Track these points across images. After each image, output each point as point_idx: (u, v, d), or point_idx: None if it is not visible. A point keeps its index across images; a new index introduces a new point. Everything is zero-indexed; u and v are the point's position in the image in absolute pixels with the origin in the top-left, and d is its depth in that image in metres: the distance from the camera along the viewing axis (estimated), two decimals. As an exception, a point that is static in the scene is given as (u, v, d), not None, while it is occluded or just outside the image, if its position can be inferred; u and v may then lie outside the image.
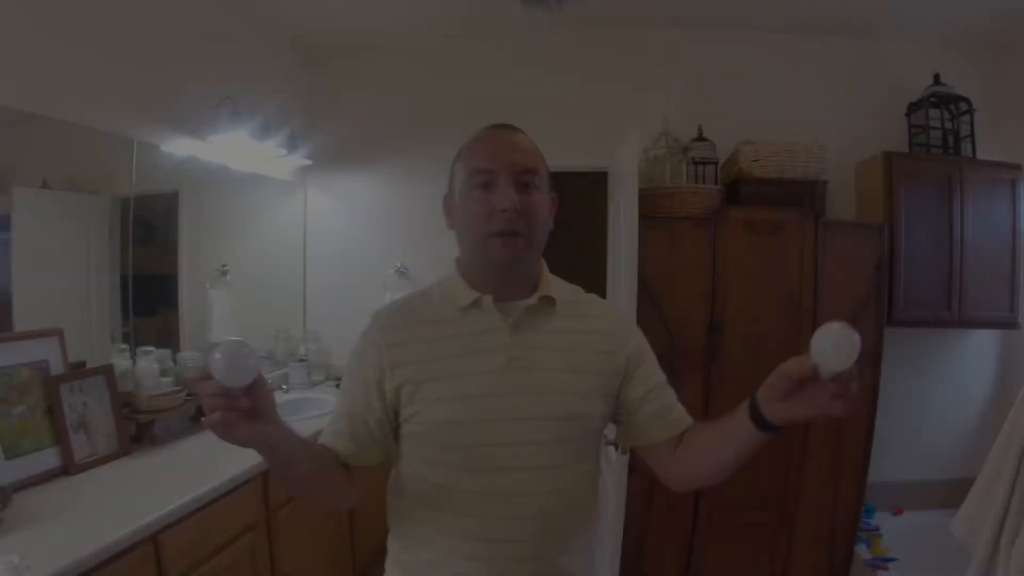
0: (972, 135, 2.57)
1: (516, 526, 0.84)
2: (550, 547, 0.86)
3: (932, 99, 2.55)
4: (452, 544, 0.85)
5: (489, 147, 0.87)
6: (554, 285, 0.92)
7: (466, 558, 0.84)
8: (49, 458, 1.57)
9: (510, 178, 0.84)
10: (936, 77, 2.58)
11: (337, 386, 2.81)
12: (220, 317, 2.47)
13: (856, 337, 0.68)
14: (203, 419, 0.67)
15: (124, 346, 1.99)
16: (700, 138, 2.61)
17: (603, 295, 2.89)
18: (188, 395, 2.03)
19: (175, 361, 2.15)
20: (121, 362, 1.93)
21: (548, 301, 0.89)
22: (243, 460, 1.72)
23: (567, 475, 0.87)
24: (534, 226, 0.85)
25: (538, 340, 0.87)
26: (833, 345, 0.68)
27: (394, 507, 0.93)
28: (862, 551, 2.43)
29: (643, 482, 2.33)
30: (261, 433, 0.71)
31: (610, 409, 0.92)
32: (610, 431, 1.01)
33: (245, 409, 0.68)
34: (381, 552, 0.98)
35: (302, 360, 2.84)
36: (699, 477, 0.92)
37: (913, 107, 2.63)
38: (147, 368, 1.95)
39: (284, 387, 2.69)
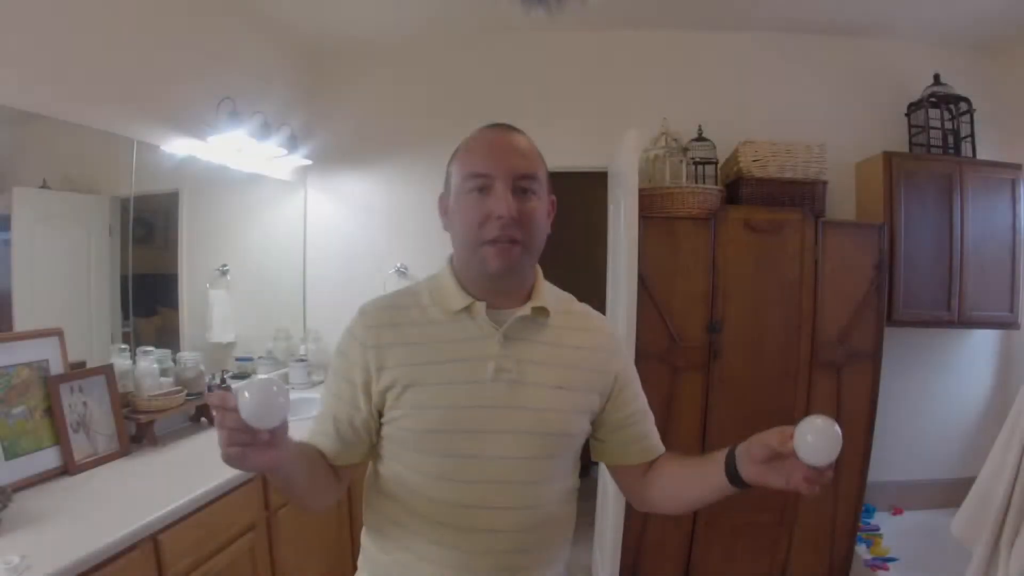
0: (972, 135, 2.58)
1: (493, 539, 0.83)
2: (527, 560, 0.86)
3: (932, 99, 2.55)
4: (428, 551, 0.84)
5: (486, 150, 0.83)
6: (547, 294, 0.90)
7: (441, 566, 0.83)
8: (49, 458, 1.57)
9: (508, 183, 0.80)
10: (936, 77, 2.58)
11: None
12: (220, 317, 2.47)
13: (838, 434, 0.69)
14: (221, 453, 0.65)
15: (124, 346, 1.99)
16: (700, 138, 2.61)
17: (603, 295, 2.90)
18: (188, 395, 2.03)
19: (175, 361, 2.15)
20: (121, 362, 1.93)
21: (541, 312, 0.87)
22: (243, 460, 1.73)
23: (547, 490, 0.86)
24: (531, 233, 0.83)
25: (528, 352, 0.85)
26: (815, 441, 0.69)
27: (371, 505, 0.92)
28: (862, 551, 2.44)
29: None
30: (275, 461, 0.69)
31: (590, 426, 0.91)
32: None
33: (263, 442, 0.66)
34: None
35: (302, 360, 2.84)
36: (662, 506, 0.94)
37: (913, 107, 2.63)
38: (147, 368, 1.95)
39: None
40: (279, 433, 0.68)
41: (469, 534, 0.83)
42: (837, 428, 0.69)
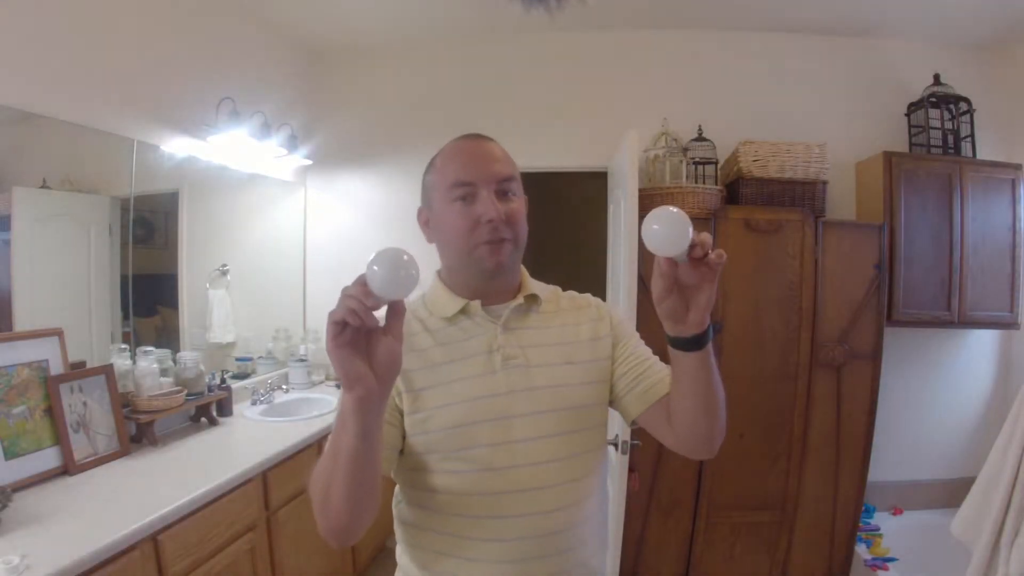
0: (972, 135, 2.58)
1: (534, 523, 0.84)
2: (571, 540, 0.86)
3: (932, 99, 2.55)
4: (471, 551, 0.84)
5: (466, 159, 0.88)
6: (535, 286, 0.95)
7: (486, 562, 0.83)
8: (49, 458, 1.57)
9: (491, 188, 0.85)
10: (936, 77, 2.58)
11: (338, 386, 2.83)
12: (220, 317, 2.47)
13: (676, 216, 0.71)
14: (332, 320, 0.63)
15: (124, 346, 1.99)
16: (700, 138, 2.61)
17: (603, 295, 2.90)
18: (188, 395, 2.03)
19: (175, 361, 2.15)
20: (121, 362, 1.93)
21: (533, 299, 0.93)
22: (243, 460, 1.73)
23: (576, 466, 0.87)
24: (517, 231, 0.88)
25: (530, 338, 0.90)
26: (661, 229, 0.71)
27: (403, 521, 0.92)
28: (862, 551, 2.44)
29: (643, 482, 2.33)
30: (391, 352, 0.65)
31: (607, 394, 0.93)
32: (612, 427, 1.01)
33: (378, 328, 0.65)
34: (380, 553, 0.98)
35: (302, 360, 2.84)
36: (687, 434, 0.87)
37: (913, 107, 2.63)
38: (147, 368, 1.95)
39: (284, 387, 2.69)
40: (396, 324, 0.66)
41: (512, 522, 0.83)
42: (673, 210, 0.71)
